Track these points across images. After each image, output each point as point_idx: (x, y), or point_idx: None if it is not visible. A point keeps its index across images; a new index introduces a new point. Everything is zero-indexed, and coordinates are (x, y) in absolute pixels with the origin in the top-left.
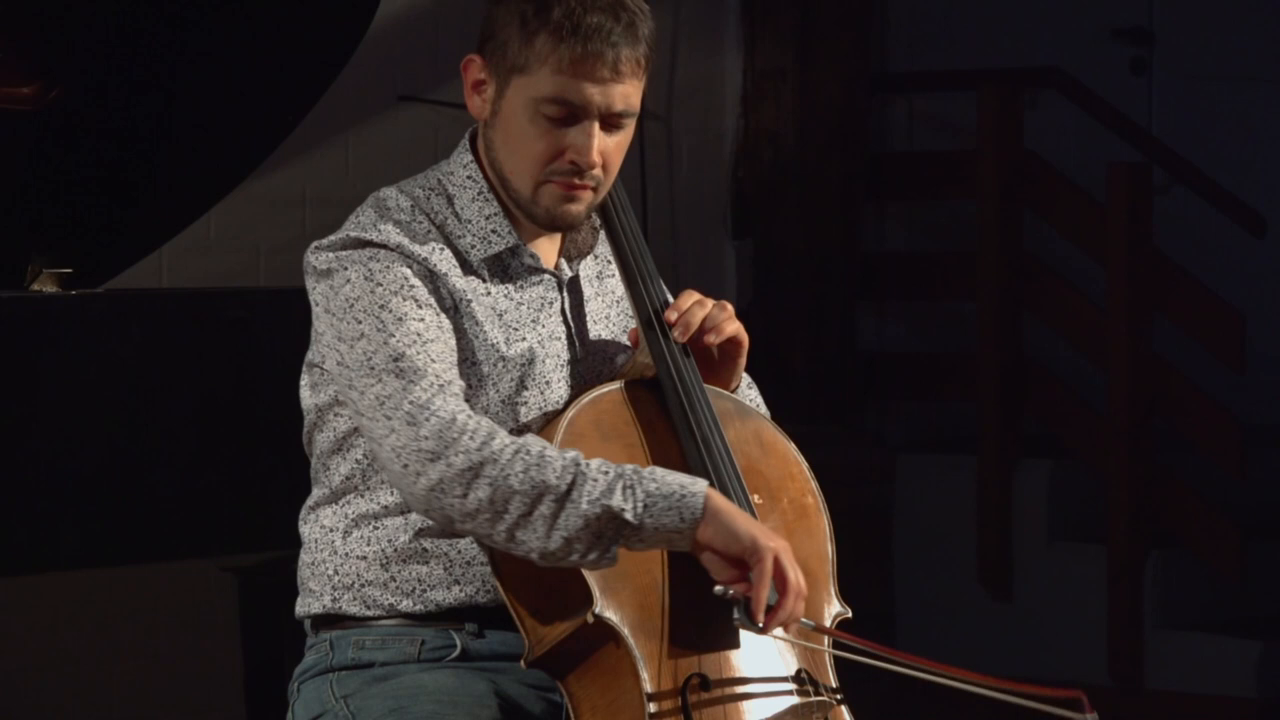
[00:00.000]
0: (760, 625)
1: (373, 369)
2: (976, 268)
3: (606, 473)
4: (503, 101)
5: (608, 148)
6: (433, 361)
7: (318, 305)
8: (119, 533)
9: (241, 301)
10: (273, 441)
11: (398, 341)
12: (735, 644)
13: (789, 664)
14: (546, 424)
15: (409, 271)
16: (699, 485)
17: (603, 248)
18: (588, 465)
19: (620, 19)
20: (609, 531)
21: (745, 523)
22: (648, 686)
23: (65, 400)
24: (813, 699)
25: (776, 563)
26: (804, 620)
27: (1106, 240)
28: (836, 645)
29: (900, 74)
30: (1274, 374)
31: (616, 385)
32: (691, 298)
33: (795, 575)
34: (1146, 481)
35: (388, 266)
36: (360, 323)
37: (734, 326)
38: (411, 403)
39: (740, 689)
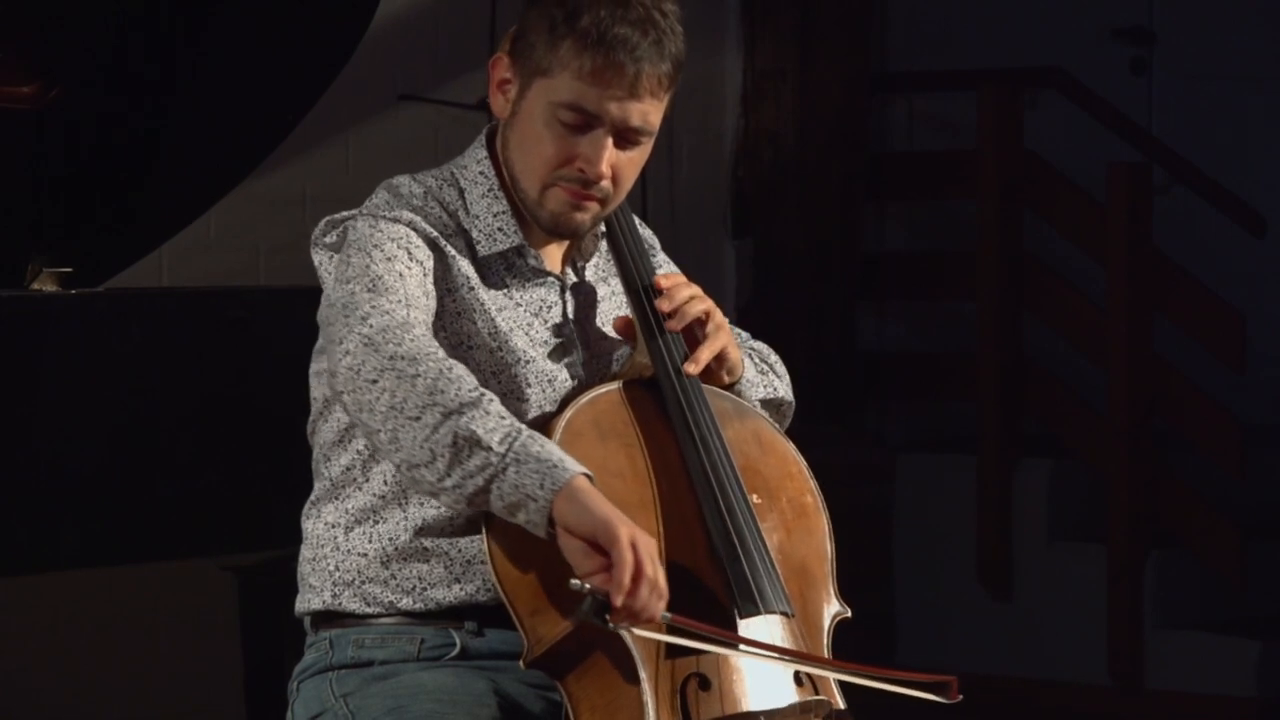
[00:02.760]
0: (607, 619)
1: (348, 283)
2: (976, 268)
3: (505, 419)
4: (523, 102)
5: (620, 162)
6: (407, 292)
7: (328, 275)
8: (119, 532)
9: (241, 301)
10: (272, 441)
11: (380, 269)
12: (734, 647)
13: (788, 664)
14: (544, 424)
15: (414, 235)
16: (577, 466)
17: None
18: (494, 403)
19: (648, 35)
20: (472, 464)
21: (606, 508)
22: (647, 686)
23: (65, 399)
24: (811, 698)
25: (634, 550)
26: (664, 614)
27: (1106, 240)
28: (701, 640)
29: (900, 74)
30: (1274, 373)
31: (615, 385)
32: (678, 278)
33: (652, 569)
34: (1146, 481)
35: (394, 224)
36: (351, 256)
37: (701, 308)
38: (373, 307)
39: (739, 689)
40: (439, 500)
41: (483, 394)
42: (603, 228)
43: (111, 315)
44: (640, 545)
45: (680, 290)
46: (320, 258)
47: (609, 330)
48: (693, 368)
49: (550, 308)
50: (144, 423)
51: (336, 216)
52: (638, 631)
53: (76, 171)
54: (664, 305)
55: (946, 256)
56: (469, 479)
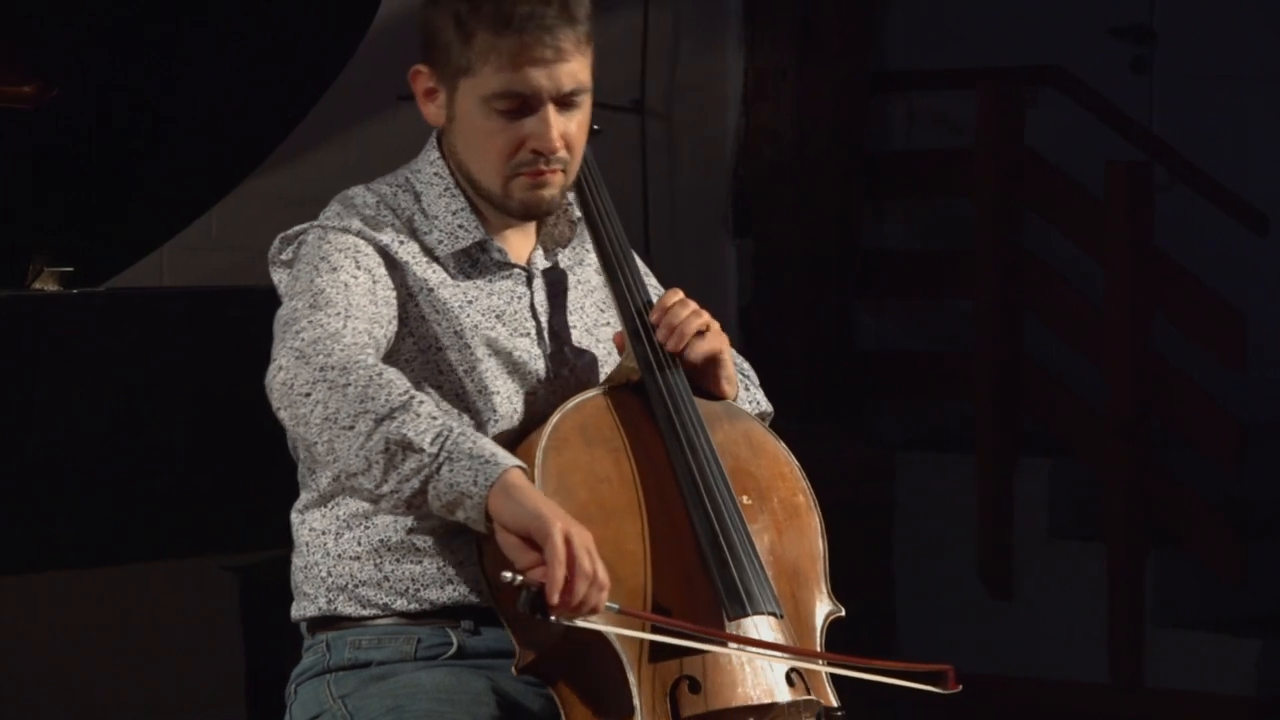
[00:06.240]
0: (547, 612)
1: (293, 299)
2: (975, 266)
3: (436, 419)
4: (455, 106)
5: (567, 129)
6: (348, 303)
7: (285, 294)
8: (119, 531)
9: (241, 301)
10: (273, 440)
11: (323, 281)
12: (723, 645)
13: (779, 664)
14: (531, 430)
15: (363, 244)
16: (509, 460)
17: (578, 238)
18: (424, 404)
19: (552, 3)
20: (407, 467)
21: (541, 503)
22: (636, 690)
23: (65, 399)
24: (801, 699)
25: (568, 544)
26: (609, 604)
27: (1106, 239)
28: (658, 630)
29: (900, 72)
30: (1274, 373)
31: (601, 390)
32: (675, 297)
33: (588, 560)
34: (1146, 480)
35: (342, 235)
36: (299, 271)
37: (704, 346)
38: (309, 321)
39: (729, 690)
40: (380, 505)
41: (412, 396)
42: (577, 214)
43: (112, 315)
44: (575, 538)
45: (677, 310)
46: (279, 276)
47: (579, 317)
48: (662, 336)
49: (519, 299)
50: (144, 422)
51: (290, 232)
52: (580, 623)
53: (77, 171)
54: (663, 335)
55: (946, 255)
56: (405, 482)
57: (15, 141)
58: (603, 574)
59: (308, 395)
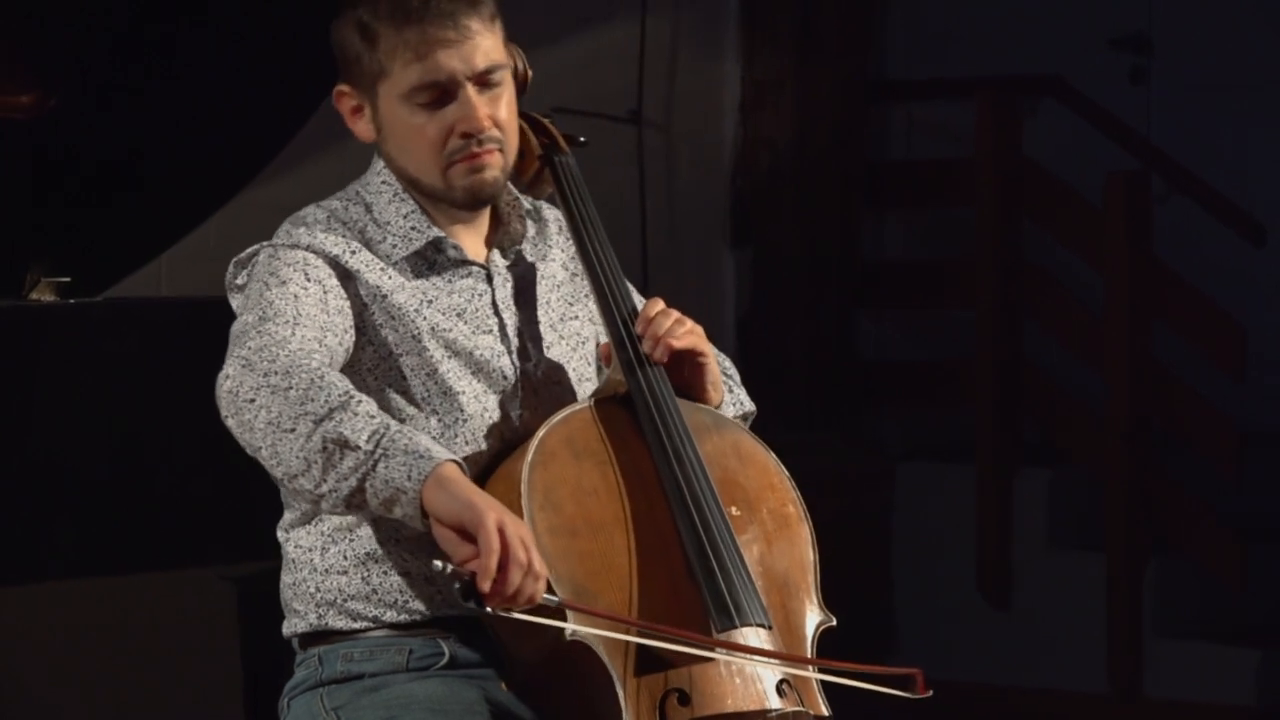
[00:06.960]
0: (480, 601)
1: (244, 314)
2: (975, 276)
3: (374, 418)
4: (380, 114)
5: (494, 110)
6: (297, 313)
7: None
8: (117, 542)
9: None
10: None
11: (273, 295)
12: (711, 657)
13: (770, 675)
14: (509, 433)
15: (312, 257)
16: (444, 454)
17: (539, 234)
18: (363, 404)
19: None
20: (344, 465)
21: (473, 493)
22: (625, 704)
23: (63, 409)
24: (789, 710)
25: (501, 533)
26: (547, 596)
27: (1105, 248)
28: (635, 633)
29: (899, 82)
30: (1273, 380)
31: (587, 403)
32: (657, 307)
33: (522, 549)
34: (1145, 488)
35: (292, 250)
36: (250, 289)
37: (688, 341)
38: (259, 331)
39: (718, 701)
40: (321, 507)
41: (351, 396)
42: (526, 207)
43: (110, 324)
44: (509, 527)
45: (661, 320)
46: (235, 300)
47: (544, 311)
48: (647, 348)
49: (479, 296)
50: (142, 431)
51: (242, 255)
52: (517, 614)
53: (76, 180)
54: (648, 345)
55: (945, 264)
56: (343, 481)
57: (14, 150)
58: (539, 564)
59: (252, 401)
